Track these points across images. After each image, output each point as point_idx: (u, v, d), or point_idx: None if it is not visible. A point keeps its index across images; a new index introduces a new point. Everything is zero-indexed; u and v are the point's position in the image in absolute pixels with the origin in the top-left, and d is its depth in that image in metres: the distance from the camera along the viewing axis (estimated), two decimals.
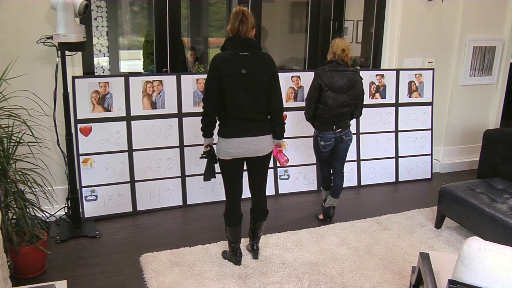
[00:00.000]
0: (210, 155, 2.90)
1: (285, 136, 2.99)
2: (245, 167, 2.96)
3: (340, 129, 3.41)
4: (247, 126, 2.76)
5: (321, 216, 3.69)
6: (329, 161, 3.59)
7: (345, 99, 3.33)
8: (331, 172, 3.65)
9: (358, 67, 3.63)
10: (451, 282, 1.82)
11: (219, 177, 3.97)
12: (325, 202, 3.68)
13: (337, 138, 3.43)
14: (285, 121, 2.94)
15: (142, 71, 5.25)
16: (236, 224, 2.99)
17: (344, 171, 3.64)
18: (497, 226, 3.00)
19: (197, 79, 3.84)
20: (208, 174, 2.94)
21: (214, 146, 2.91)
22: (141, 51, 5.45)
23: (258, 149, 2.80)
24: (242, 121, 2.75)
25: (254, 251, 3.13)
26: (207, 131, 2.83)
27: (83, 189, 3.55)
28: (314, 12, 4.52)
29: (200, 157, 2.95)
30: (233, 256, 3.03)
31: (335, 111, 3.34)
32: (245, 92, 2.70)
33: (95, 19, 5.03)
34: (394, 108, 4.48)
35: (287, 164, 3.17)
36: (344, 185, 4.32)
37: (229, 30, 2.75)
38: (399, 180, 4.60)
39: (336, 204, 3.64)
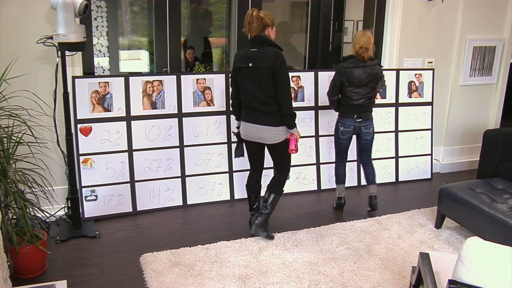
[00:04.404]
0: (237, 135, 3.37)
1: None
2: None
3: (360, 119, 3.54)
4: (252, 114, 3.12)
5: (368, 208, 3.85)
6: (346, 153, 3.75)
7: (367, 91, 3.50)
8: (361, 164, 3.85)
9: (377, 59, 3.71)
10: (451, 282, 1.82)
11: (217, 177, 4.01)
12: (369, 192, 3.81)
13: (356, 128, 3.58)
14: (293, 112, 3.10)
15: (148, 70, 5.26)
16: (251, 191, 3.41)
17: (371, 159, 3.79)
18: (497, 226, 3.00)
19: (197, 79, 3.84)
20: (236, 151, 3.44)
21: None
22: (141, 51, 5.45)
23: (262, 137, 3.14)
24: (249, 109, 3.13)
25: (256, 224, 3.29)
26: (234, 114, 3.35)
27: (83, 189, 3.55)
28: (314, 12, 4.52)
29: (233, 134, 3.49)
30: (249, 223, 3.44)
31: (357, 102, 3.51)
32: (251, 83, 3.04)
33: (95, 19, 5.02)
34: (394, 108, 4.48)
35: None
36: (344, 185, 4.34)
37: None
38: (399, 180, 4.60)
39: (376, 191, 3.79)
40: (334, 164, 3.84)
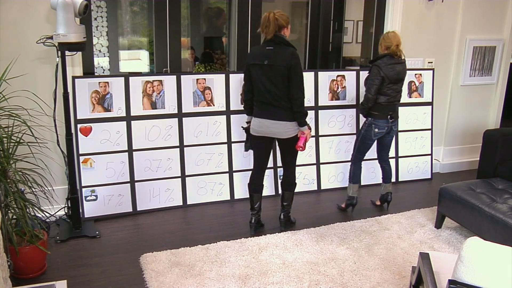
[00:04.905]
0: (246, 130, 3.42)
1: None
2: None
3: (392, 119, 3.63)
4: (267, 110, 3.19)
5: (378, 202, 3.99)
6: (366, 152, 3.79)
7: (400, 87, 3.66)
8: (379, 161, 3.92)
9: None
10: (451, 282, 1.82)
11: (217, 177, 4.00)
12: (382, 189, 3.94)
13: (388, 128, 3.66)
14: (304, 110, 3.18)
15: (148, 70, 5.27)
16: (253, 191, 3.43)
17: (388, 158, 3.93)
18: (497, 226, 3.00)
19: (197, 79, 3.84)
20: (247, 145, 3.46)
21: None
22: (141, 51, 5.46)
23: (276, 132, 3.21)
24: (263, 104, 3.20)
25: (281, 221, 3.52)
26: (245, 108, 3.39)
27: (83, 189, 3.55)
28: (314, 12, 4.52)
29: (242, 128, 3.49)
30: (249, 222, 3.46)
31: (392, 99, 3.60)
32: (266, 80, 3.13)
33: (95, 19, 5.03)
34: None
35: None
36: (343, 185, 4.34)
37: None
38: (399, 180, 4.60)
39: (391, 189, 3.92)
40: (350, 164, 3.85)
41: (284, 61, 3.08)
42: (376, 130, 3.64)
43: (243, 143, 3.54)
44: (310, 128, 3.25)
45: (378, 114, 3.61)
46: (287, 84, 3.12)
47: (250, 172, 3.47)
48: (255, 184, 3.43)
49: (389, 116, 3.62)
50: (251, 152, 3.56)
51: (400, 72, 3.59)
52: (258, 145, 3.36)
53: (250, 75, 3.22)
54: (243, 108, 3.45)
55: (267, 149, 3.38)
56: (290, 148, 3.31)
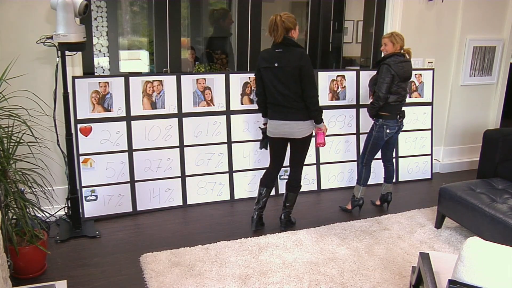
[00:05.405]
0: (262, 131, 3.50)
1: None
2: None
3: (401, 119, 3.67)
4: (280, 111, 3.24)
5: (377, 202, 4.00)
6: (376, 154, 3.80)
7: (407, 87, 3.69)
8: (383, 160, 3.91)
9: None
10: (451, 282, 1.82)
11: (217, 177, 4.00)
12: (383, 189, 3.95)
13: (398, 127, 3.69)
14: (320, 108, 3.25)
15: (148, 70, 5.26)
16: (265, 185, 3.45)
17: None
18: (497, 226, 3.00)
19: (197, 79, 3.84)
20: (262, 143, 3.54)
21: None
22: (141, 51, 5.46)
23: (290, 132, 3.25)
24: (276, 106, 3.25)
25: (281, 221, 3.53)
26: (260, 111, 3.46)
27: (83, 189, 3.55)
28: (314, 12, 4.52)
29: (260, 129, 3.57)
30: (251, 218, 3.50)
31: (401, 98, 3.61)
32: (278, 82, 3.17)
33: (95, 19, 5.02)
34: None
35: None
36: (343, 185, 4.34)
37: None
38: (399, 180, 4.60)
39: (391, 189, 3.94)
40: (361, 166, 3.81)
41: (294, 62, 3.11)
42: (388, 130, 3.64)
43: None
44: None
45: (388, 115, 3.60)
46: (298, 85, 3.15)
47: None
48: (268, 180, 3.47)
49: (398, 116, 3.64)
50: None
51: (408, 71, 3.62)
52: (275, 146, 3.41)
53: (261, 78, 3.26)
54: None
55: (283, 149, 3.43)
56: (302, 147, 3.36)
